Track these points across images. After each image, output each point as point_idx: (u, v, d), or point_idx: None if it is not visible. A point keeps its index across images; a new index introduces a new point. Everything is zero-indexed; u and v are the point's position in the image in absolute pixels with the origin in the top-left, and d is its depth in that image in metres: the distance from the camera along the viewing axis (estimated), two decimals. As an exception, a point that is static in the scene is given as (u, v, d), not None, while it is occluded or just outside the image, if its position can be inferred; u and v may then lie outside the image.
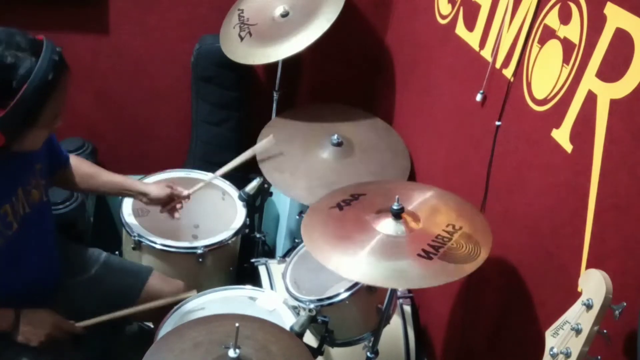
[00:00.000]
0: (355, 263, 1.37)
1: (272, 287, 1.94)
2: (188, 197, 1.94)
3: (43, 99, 1.30)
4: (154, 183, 1.94)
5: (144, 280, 1.81)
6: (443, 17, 1.94)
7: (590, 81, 1.28)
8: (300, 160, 2.03)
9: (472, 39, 1.77)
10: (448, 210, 1.54)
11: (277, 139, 2.04)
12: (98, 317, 1.67)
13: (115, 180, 1.83)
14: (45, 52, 1.30)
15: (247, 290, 1.83)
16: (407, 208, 1.48)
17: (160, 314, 1.71)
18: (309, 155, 2.04)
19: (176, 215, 1.92)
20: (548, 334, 1.11)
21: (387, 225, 1.44)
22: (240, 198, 2.16)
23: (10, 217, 1.45)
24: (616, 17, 1.21)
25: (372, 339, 1.64)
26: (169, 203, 1.89)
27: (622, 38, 1.19)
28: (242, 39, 2.15)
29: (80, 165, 1.78)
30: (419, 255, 1.34)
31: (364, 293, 1.60)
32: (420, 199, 1.56)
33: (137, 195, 1.86)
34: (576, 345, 1.03)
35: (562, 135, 1.37)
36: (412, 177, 2.11)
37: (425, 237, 1.40)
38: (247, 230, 2.16)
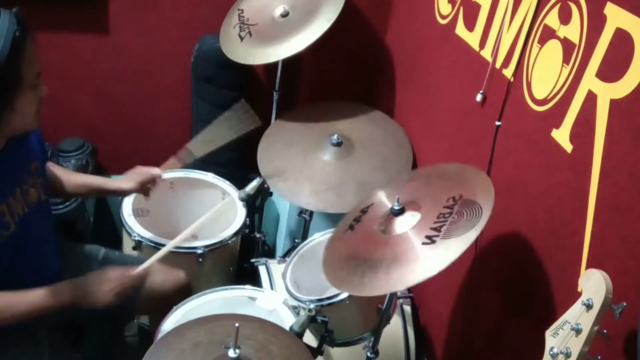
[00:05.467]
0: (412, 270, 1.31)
1: (272, 287, 1.94)
2: (160, 175, 1.89)
3: (17, 53, 1.31)
4: (125, 177, 1.87)
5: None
6: (443, 17, 1.94)
7: (590, 81, 1.28)
8: (302, 166, 2.02)
9: (472, 39, 1.77)
10: (447, 182, 1.49)
11: (277, 143, 2.04)
12: (152, 258, 1.65)
13: (83, 183, 1.81)
14: (3, 12, 1.32)
15: (247, 290, 1.83)
16: (409, 200, 1.45)
17: (161, 309, 1.70)
18: (310, 159, 2.04)
19: (150, 195, 1.90)
20: (548, 334, 1.11)
21: (404, 223, 1.41)
22: (240, 198, 2.16)
23: (7, 217, 1.45)
24: (616, 17, 1.21)
25: (372, 339, 1.64)
26: (145, 188, 1.87)
27: (622, 38, 1.19)
28: (242, 39, 2.15)
29: (52, 168, 1.75)
30: (423, 244, 1.31)
31: (364, 293, 1.60)
32: (419, 183, 1.54)
33: (110, 193, 1.87)
34: (576, 345, 1.03)
35: (562, 135, 1.37)
36: (412, 177, 2.11)
37: (427, 222, 1.37)
38: (247, 230, 2.16)
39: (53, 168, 1.76)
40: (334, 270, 1.45)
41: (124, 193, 1.88)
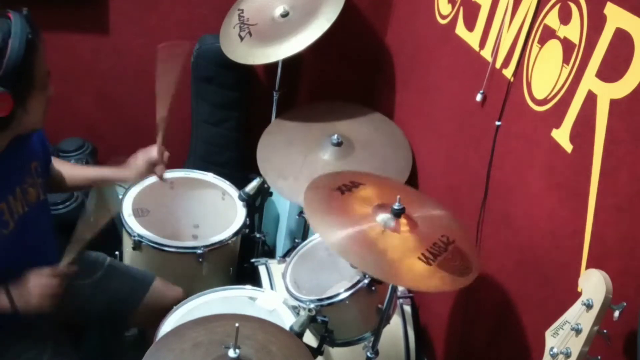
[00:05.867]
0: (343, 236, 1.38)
1: (272, 287, 1.94)
2: (162, 154, 1.84)
3: (30, 54, 1.33)
4: (128, 167, 1.80)
5: (148, 286, 1.82)
6: (443, 17, 1.94)
7: (590, 81, 1.28)
8: (302, 164, 2.02)
9: (472, 39, 1.77)
10: (442, 225, 1.53)
11: (276, 144, 2.03)
12: (73, 246, 1.57)
13: (87, 176, 1.81)
14: (14, 14, 1.33)
15: (247, 290, 1.83)
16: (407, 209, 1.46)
17: (157, 320, 1.70)
18: (310, 158, 2.04)
19: (163, 175, 1.81)
20: (548, 334, 1.11)
21: (384, 219, 1.44)
22: (240, 198, 2.16)
23: (6, 215, 1.45)
24: (616, 17, 1.21)
25: (372, 339, 1.64)
26: (152, 169, 1.80)
27: (622, 38, 1.19)
28: (242, 39, 2.15)
29: (55, 165, 1.75)
30: (419, 259, 1.34)
31: (364, 293, 1.60)
32: (417, 206, 1.55)
33: (117, 182, 1.84)
34: (576, 345, 1.03)
35: (562, 135, 1.37)
36: (412, 176, 2.11)
37: (425, 241, 1.40)
38: (247, 230, 2.16)
39: (58, 164, 1.76)
40: (320, 214, 1.46)
41: (135, 179, 1.83)
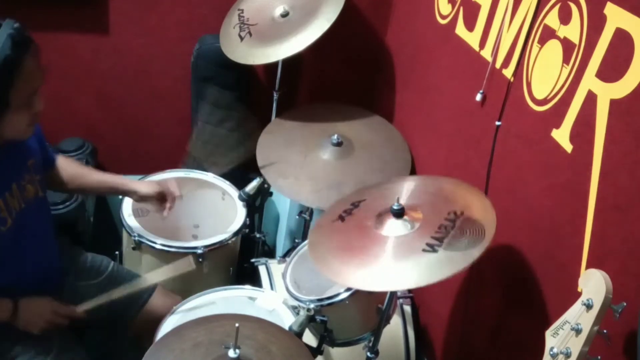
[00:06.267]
0: (372, 272, 1.34)
1: (272, 287, 1.94)
2: (180, 196, 1.92)
3: (7, 77, 1.28)
4: (145, 181, 1.92)
5: (149, 294, 1.83)
6: (443, 17, 1.94)
7: (590, 81, 1.28)
8: (302, 164, 2.02)
9: (472, 39, 1.77)
10: (448, 196, 1.50)
11: (277, 143, 2.03)
12: (96, 299, 1.66)
13: (104, 180, 1.83)
14: (2, 31, 1.27)
15: (247, 290, 1.83)
16: (407, 203, 1.45)
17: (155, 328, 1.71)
18: (310, 158, 2.04)
19: (164, 213, 1.89)
20: (548, 334, 1.11)
21: (394, 227, 1.41)
22: (240, 198, 2.16)
23: (4, 212, 1.45)
24: (616, 17, 1.21)
25: (372, 339, 1.64)
26: (161, 201, 1.88)
27: (622, 38, 1.19)
28: (242, 39, 2.15)
29: (68, 165, 1.78)
30: (424, 250, 1.32)
31: (364, 293, 1.60)
32: (419, 191, 1.55)
33: (127, 193, 1.87)
34: (576, 345, 1.03)
35: (562, 135, 1.37)
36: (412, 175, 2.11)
37: (428, 229, 1.37)
38: (247, 230, 2.16)
39: (73, 165, 1.79)
40: (324, 258, 1.44)
41: (142, 197, 1.86)
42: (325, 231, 1.54)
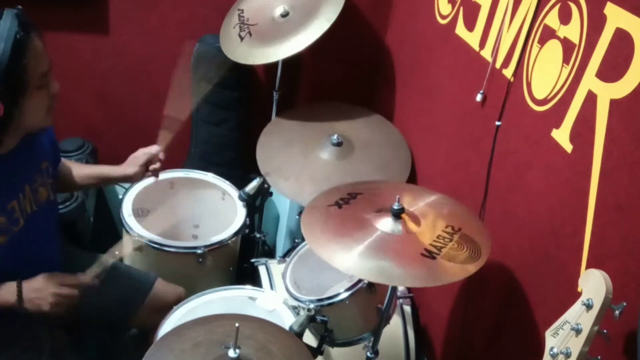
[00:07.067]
0: (350, 257, 1.37)
1: (272, 287, 1.94)
2: (159, 151, 1.87)
3: (20, 55, 1.30)
4: (126, 163, 1.85)
5: (150, 286, 1.83)
6: (443, 17, 1.94)
7: (590, 81, 1.28)
8: (302, 164, 2.02)
9: (472, 39, 1.77)
10: (445, 213, 1.54)
11: (277, 143, 2.03)
12: (101, 263, 1.62)
13: (89, 173, 1.82)
14: (6, 13, 1.31)
15: (247, 290, 1.83)
16: (408, 207, 1.48)
17: (159, 320, 1.70)
18: (310, 158, 2.04)
19: (158, 175, 1.86)
20: (548, 334, 1.11)
21: (385, 223, 1.44)
22: (240, 198, 2.16)
23: (17, 213, 1.46)
24: (616, 17, 1.21)
25: (372, 339, 1.64)
26: (148, 169, 1.84)
27: (622, 38, 1.19)
28: (242, 39, 2.15)
29: (61, 165, 1.76)
30: (422, 255, 1.35)
31: (364, 293, 1.60)
32: (417, 200, 1.56)
33: (117, 180, 1.85)
34: (576, 345, 1.03)
35: (562, 135, 1.37)
36: (412, 176, 2.11)
37: (427, 237, 1.41)
38: (247, 230, 2.16)
39: (64, 164, 1.77)
40: (317, 239, 1.45)
41: (131, 179, 1.84)
42: (320, 213, 1.54)
